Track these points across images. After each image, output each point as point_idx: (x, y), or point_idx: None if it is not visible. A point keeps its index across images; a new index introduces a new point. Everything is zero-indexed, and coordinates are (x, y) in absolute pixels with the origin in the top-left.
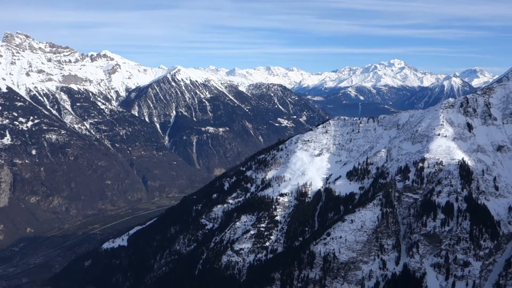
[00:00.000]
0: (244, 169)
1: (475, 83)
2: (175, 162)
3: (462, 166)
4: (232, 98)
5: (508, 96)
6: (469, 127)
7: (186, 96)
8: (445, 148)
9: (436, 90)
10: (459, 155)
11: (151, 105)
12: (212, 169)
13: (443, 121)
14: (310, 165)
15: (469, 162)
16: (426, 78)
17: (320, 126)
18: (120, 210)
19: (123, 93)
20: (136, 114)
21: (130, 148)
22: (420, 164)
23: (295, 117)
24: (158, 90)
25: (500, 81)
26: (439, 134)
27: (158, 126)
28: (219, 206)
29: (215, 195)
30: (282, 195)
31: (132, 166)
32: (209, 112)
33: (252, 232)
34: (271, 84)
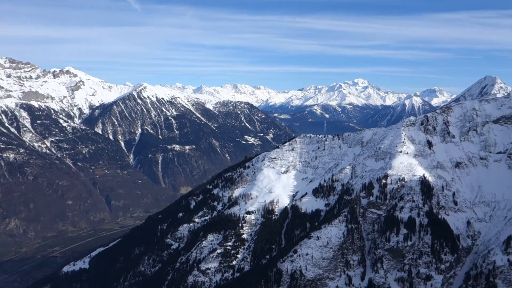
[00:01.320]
0: (210, 187)
1: (435, 102)
2: (140, 181)
3: (423, 182)
4: (199, 115)
5: (465, 115)
6: (429, 144)
7: (152, 114)
8: (407, 164)
9: (398, 109)
10: (420, 171)
11: (116, 123)
12: (178, 188)
13: (404, 139)
14: (277, 183)
15: (430, 178)
16: (388, 97)
17: (287, 143)
18: (81, 231)
19: (86, 110)
20: (100, 132)
21: (93, 167)
22: (384, 181)
23: (262, 134)
24: (123, 108)
25: (457, 101)
26: (401, 151)
27: (122, 144)
28: (185, 225)
29: (181, 214)
30: (249, 213)
31: (95, 186)
32: (175, 130)
33: (218, 251)
34: (238, 102)
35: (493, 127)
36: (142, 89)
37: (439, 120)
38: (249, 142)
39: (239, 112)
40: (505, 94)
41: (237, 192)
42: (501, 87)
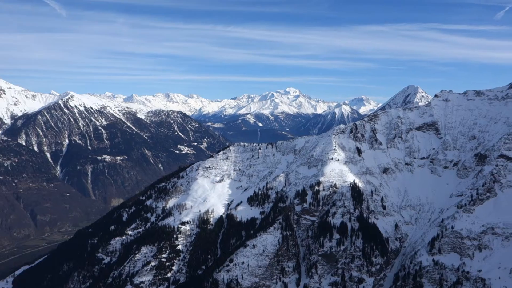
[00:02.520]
0: (143, 198)
1: (363, 110)
2: (68, 194)
3: (354, 188)
4: (130, 125)
5: (390, 123)
6: (359, 151)
7: (80, 124)
8: (338, 171)
9: (328, 117)
10: (351, 177)
11: (41, 133)
12: (109, 200)
13: (335, 146)
14: (211, 192)
15: (360, 184)
16: (319, 106)
17: (221, 152)
18: (4, 249)
19: (8, 121)
20: (24, 143)
21: (16, 180)
22: (316, 187)
23: (195, 144)
24: (48, 117)
25: (383, 109)
26: (332, 158)
27: (48, 155)
28: (117, 238)
29: (112, 227)
30: (183, 223)
31: (19, 200)
32: (105, 140)
33: (153, 263)
34: (170, 111)
35: (416, 134)
36: (69, 98)
37: (367, 127)
38: (183, 152)
39: (172, 121)
40: (426, 102)
41: (171, 202)
42: (422, 96)
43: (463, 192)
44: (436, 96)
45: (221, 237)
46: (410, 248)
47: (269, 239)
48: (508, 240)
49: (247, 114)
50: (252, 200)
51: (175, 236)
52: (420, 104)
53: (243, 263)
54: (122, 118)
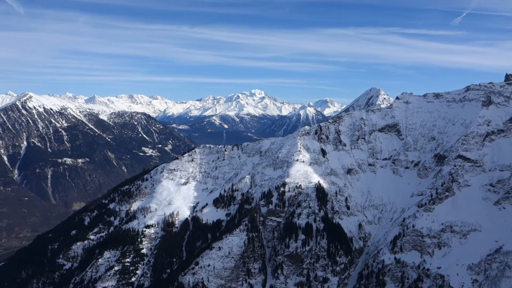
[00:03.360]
0: (106, 201)
1: (327, 112)
2: (26, 198)
3: (319, 188)
4: (92, 127)
5: (354, 124)
6: (323, 152)
7: (39, 125)
8: (303, 172)
9: (293, 119)
10: (316, 178)
11: None
12: (70, 204)
13: (300, 148)
14: (176, 194)
15: (324, 185)
16: (284, 108)
17: (186, 154)
18: None
19: None
20: None
21: None
22: (282, 189)
23: (160, 146)
24: (5, 119)
25: (347, 111)
26: (297, 160)
27: (5, 158)
28: (79, 243)
29: (74, 232)
30: (148, 226)
31: None
32: (66, 142)
33: (116, 268)
34: (134, 112)
35: (379, 135)
36: (27, 99)
37: (331, 129)
38: (147, 154)
39: (135, 123)
40: (388, 105)
41: (135, 205)
42: (384, 98)
43: (424, 191)
44: (397, 98)
45: (187, 239)
46: (373, 247)
47: (235, 241)
48: (466, 238)
49: (212, 115)
50: (218, 202)
51: (139, 239)
52: (382, 106)
53: (209, 265)
54: (84, 119)
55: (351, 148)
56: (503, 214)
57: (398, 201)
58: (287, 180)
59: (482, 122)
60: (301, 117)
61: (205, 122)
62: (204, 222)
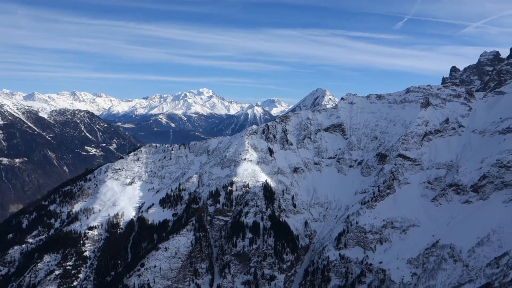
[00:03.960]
0: (46, 203)
1: (274, 112)
2: None
3: (266, 187)
4: (31, 125)
5: (300, 124)
6: (270, 151)
7: None
8: (251, 171)
9: (241, 118)
10: (263, 177)
11: None
12: (6, 206)
13: (248, 147)
14: (121, 195)
15: (272, 184)
16: (232, 107)
17: (132, 153)
18: None
19: None
20: None
21: None
22: (229, 188)
23: (104, 145)
24: None
25: (294, 111)
26: (245, 159)
27: None
28: (16, 247)
29: (11, 235)
30: (91, 228)
31: None
32: (2, 141)
33: (57, 272)
34: (77, 110)
35: (324, 134)
36: None
37: (278, 128)
38: (91, 153)
39: (78, 121)
40: (334, 105)
41: (77, 207)
42: (330, 99)
43: (366, 189)
44: (342, 99)
45: (132, 241)
46: (319, 244)
47: (182, 241)
48: (405, 233)
49: (159, 114)
50: (165, 202)
51: (81, 242)
52: (328, 106)
53: (155, 266)
54: (22, 117)
55: (298, 147)
56: (440, 210)
57: (342, 198)
58: (234, 179)
59: (421, 122)
60: (249, 116)
61: (151, 121)
62: (150, 222)
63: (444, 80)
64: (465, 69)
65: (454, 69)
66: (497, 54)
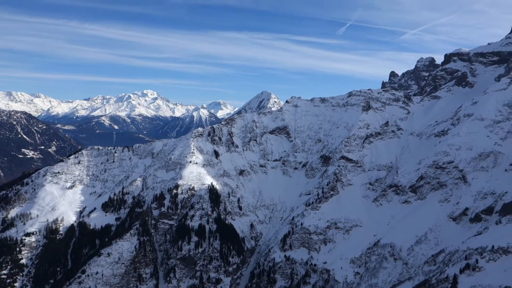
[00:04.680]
0: None
1: (220, 114)
2: None
3: (212, 190)
4: None
5: (246, 126)
6: (216, 154)
7: None
8: (196, 174)
9: (187, 120)
10: (209, 180)
11: None
12: None
13: (193, 149)
14: (61, 199)
15: (217, 186)
16: (177, 109)
17: (72, 156)
18: None
19: None
20: None
21: None
22: (174, 191)
23: (43, 147)
24: None
25: (239, 113)
26: (190, 161)
27: None
28: None
29: None
30: (28, 234)
31: None
32: None
33: None
34: (13, 111)
35: (269, 137)
36: None
37: (224, 131)
38: (28, 156)
39: (14, 123)
40: (279, 108)
41: (13, 212)
42: (275, 102)
43: (311, 191)
44: (287, 102)
45: (72, 247)
46: (265, 246)
47: (125, 246)
48: (349, 233)
49: (102, 116)
50: (107, 206)
51: (18, 249)
52: (273, 109)
53: (97, 273)
54: None
55: (243, 150)
56: (381, 210)
57: (288, 200)
58: (180, 182)
59: (362, 125)
60: (195, 118)
61: (93, 123)
62: (91, 227)
63: (383, 85)
64: (403, 74)
65: (393, 74)
66: (432, 60)
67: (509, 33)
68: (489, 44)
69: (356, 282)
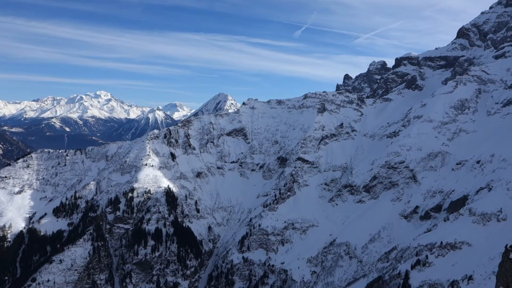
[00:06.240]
0: None
1: (176, 116)
2: None
3: (168, 193)
4: None
5: (203, 128)
6: (173, 156)
7: None
8: (153, 177)
9: (142, 122)
10: (165, 183)
11: None
12: None
13: (149, 152)
14: (9, 205)
15: (174, 189)
16: (132, 111)
17: (21, 160)
18: None
19: None
20: None
21: None
22: (130, 194)
23: None
24: None
25: (196, 115)
26: (146, 164)
27: None
28: None
29: None
30: None
31: None
32: None
33: None
34: None
35: (227, 139)
36: None
37: (180, 133)
38: None
39: None
40: (235, 110)
41: None
42: (232, 103)
43: (268, 192)
44: (244, 104)
45: (21, 254)
46: (223, 248)
47: (78, 252)
48: (305, 233)
49: (52, 118)
50: (59, 211)
51: None
52: (230, 111)
53: (48, 281)
54: None
55: (201, 152)
56: (336, 210)
57: (245, 202)
58: (135, 185)
59: (318, 127)
60: (150, 120)
61: (43, 125)
62: (42, 233)
63: (338, 87)
64: (356, 77)
65: (347, 77)
66: (384, 63)
67: (455, 39)
68: (436, 49)
69: (313, 281)
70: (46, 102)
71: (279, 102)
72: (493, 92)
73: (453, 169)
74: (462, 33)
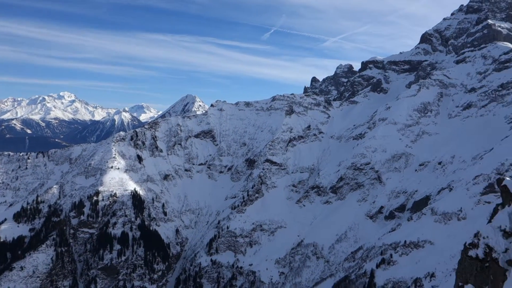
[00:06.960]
0: None
1: (143, 117)
2: None
3: (135, 196)
4: None
5: (170, 130)
6: (139, 159)
7: None
8: (118, 180)
9: (108, 124)
10: (132, 185)
11: None
12: None
13: (115, 154)
14: None
15: (141, 192)
16: (97, 112)
17: None
18: None
19: None
20: None
21: None
22: (95, 198)
23: None
24: None
25: (164, 117)
26: (112, 167)
27: None
28: None
29: None
30: None
31: None
32: None
33: None
34: None
35: (194, 141)
36: None
37: (147, 135)
38: None
39: None
40: (204, 111)
41: None
42: (200, 105)
43: (236, 194)
44: (212, 105)
45: None
46: (191, 251)
47: (40, 258)
48: (273, 235)
49: (12, 119)
50: (20, 217)
51: None
52: (198, 112)
53: None
54: None
55: (168, 154)
56: (304, 211)
57: (213, 204)
58: (100, 188)
59: (286, 129)
60: (116, 122)
61: (3, 127)
62: (2, 240)
63: (305, 90)
64: (324, 80)
65: (314, 80)
66: (350, 67)
67: (419, 44)
68: (401, 53)
69: (281, 282)
70: (6, 103)
71: (248, 104)
72: (454, 95)
73: (416, 170)
74: (425, 38)
